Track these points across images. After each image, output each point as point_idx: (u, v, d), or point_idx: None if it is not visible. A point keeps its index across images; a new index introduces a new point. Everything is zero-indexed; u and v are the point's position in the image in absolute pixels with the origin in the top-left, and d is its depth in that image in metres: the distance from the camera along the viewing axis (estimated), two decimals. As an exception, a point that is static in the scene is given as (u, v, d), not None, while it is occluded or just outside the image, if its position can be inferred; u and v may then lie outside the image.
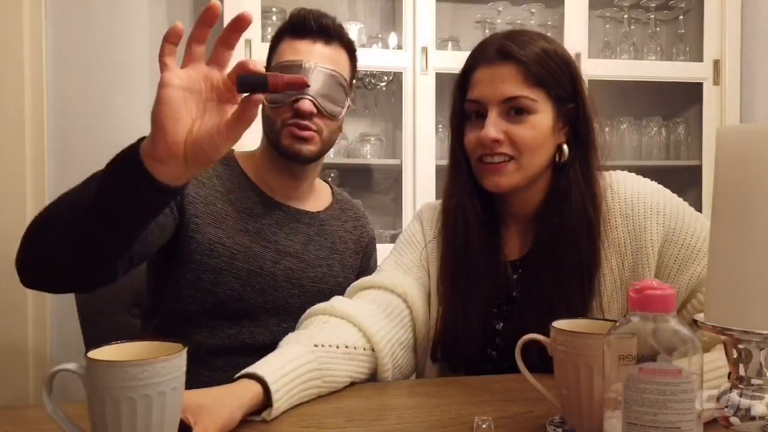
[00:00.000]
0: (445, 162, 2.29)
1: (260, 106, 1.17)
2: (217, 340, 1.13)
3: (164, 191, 0.74)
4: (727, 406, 0.58)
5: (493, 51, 1.00)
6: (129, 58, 2.14)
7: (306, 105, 1.11)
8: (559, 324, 0.74)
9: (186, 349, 0.65)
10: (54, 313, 2.06)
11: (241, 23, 0.69)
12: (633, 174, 1.05)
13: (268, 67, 1.20)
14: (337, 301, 1.01)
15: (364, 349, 0.95)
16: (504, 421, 0.78)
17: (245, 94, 0.71)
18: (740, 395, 0.58)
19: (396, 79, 2.24)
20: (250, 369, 0.81)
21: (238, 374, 0.81)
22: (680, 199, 1.02)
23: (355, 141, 2.29)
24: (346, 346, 0.92)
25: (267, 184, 1.21)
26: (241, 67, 0.70)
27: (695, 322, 0.62)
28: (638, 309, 0.58)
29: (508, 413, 0.81)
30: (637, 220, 0.98)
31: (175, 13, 2.20)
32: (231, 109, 0.72)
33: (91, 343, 1.38)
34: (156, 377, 0.61)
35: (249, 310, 1.15)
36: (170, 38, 0.70)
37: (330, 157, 2.24)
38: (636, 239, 0.98)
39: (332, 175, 2.25)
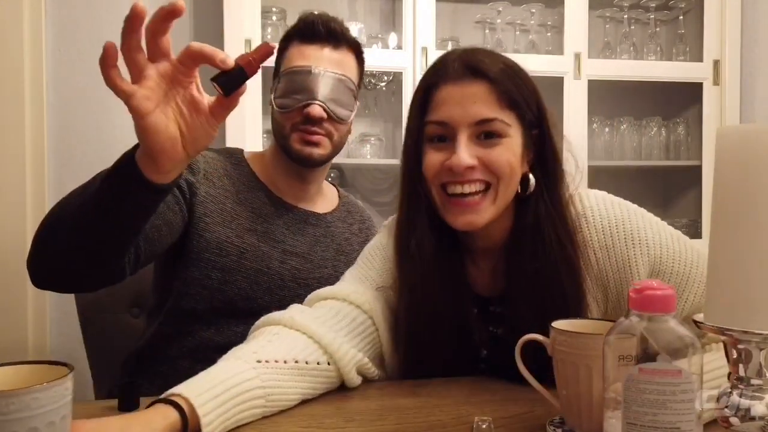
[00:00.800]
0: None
1: (270, 109, 1.17)
2: (223, 337, 1.13)
3: (166, 190, 0.78)
4: (727, 407, 0.58)
5: (460, 66, 0.89)
6: (129, 58, 2.14)
7: (316, 110, 1.12)
8: (558, 324, 0.74)
9: (71, 374, 0.56)
10: (54, 313, 2.06)
11: (173, 14, 0.65)
12: (603, 194, 0.96)
13: (277, 71, 1.20)
14: (295, 310, 0.93)
15: (318, 363, 0.85)
16: (504, 421, 0.78)
17: (214, 83, 0.70)
18: (740, 395, 0.58)
19: (396, 79, 2.24)
20: (174, 389, 0.72)
21: (162, 395, 0.72)
22: (657, 219, 0.95)
23: (355, 141, 2.29)
24: (296, 361, 0.83)
25: (276, 185, 1.23)
26: (197, 54, 0.67)
27: (695, 322, 0.62)
28: (638, 309, 0.58)
29: (508, 413, 0.81)
30: (618, 251, 0.91)
31: (175, 13, 2.20)
32: (192, 84, 0.71)
33: (92, 342, 1.39)
34: (26, 411, 0.52)
35: (257, 309, 1.14)
36: (109, 61, 0.65)
37: (330, 156, 2.24)
38: (619, 271, 0.91)
39: (332, 174, 2.25)
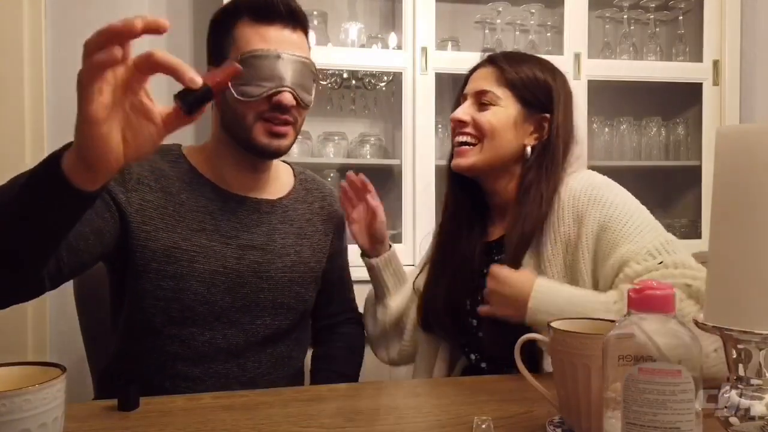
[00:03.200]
0: (443, 162, 2.29)
1: (221, 99, 1.07)
2: (191, 350, 1.07)
3: (94, 198, 0.72)
4: (726, 407, 0.58)
5: (487, 58, 1.20)
6: (129, 58, 2.14)
7: (287, 98, 1.04)
8: (557, 324, 0.74)
9: (63, 376, 0.56)
10: (54, 313, 2.06)
11: (157, 30, 0.61)
12: (594, 173, 1.13)
13: (220, 53, 1.09)
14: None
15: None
16: (503, 421, 0.78)
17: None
18: (740, 395, 0.58)
19: (396, 79, 2.24)
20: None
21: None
22: (626, 193, 1.08)
23: (355, 141, 2.29)
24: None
25: (221, 178, 1.13)
26: (160, 65, 0.62)
27: (695, 322, 0.62)
28: (638, 309, 0.58)
29: (507, 413, 0.82)
30: (581, 209, 1.06)
31: (174, 14, 2.20)
32: (142, 90, 0.66)
33: (92, 343, 1.39)
34: (17, 413, 0.51)
35: (218, 312, 1.08)
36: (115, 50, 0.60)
37: (330, 157, 2.24)
38: (579, 225, 1.06)
39: (332, 175, 2.25)
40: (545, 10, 2.36)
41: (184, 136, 1.22)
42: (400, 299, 1.26)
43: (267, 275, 1.12)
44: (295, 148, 2.20)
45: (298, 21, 1.08)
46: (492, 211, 1.22)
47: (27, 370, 0.58)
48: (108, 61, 0.60)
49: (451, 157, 1.20)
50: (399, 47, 2.18)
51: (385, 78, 2.29)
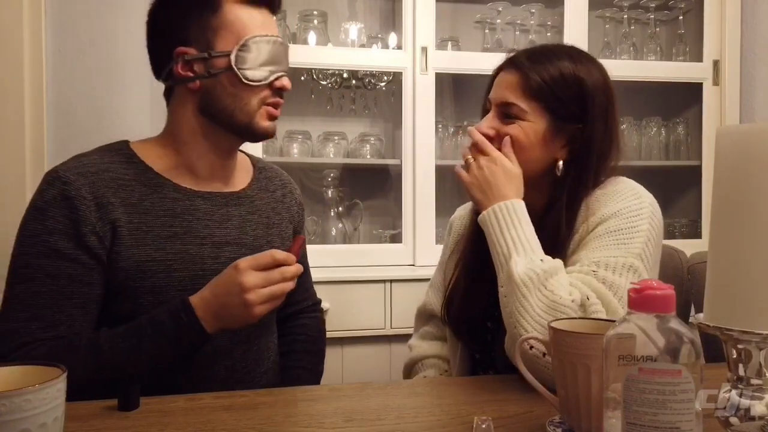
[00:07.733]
0: (444, 162, 2.29)
1: (203, 87, 1.06)
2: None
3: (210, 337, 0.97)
4: (726, 406, 0.58)
5: (509, 60, 1.09)
6: (129, 58, 2.14)
7: (287, 82, 1.07)
8: (558, 324, 0.74)
9: (64, 375, 0.56)
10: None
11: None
12: (624, 180, 1.07)
13: (205, 35, 1.02)
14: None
15: None
16: (504, 421, 0.78)
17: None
18: (740, 395, 0.58)
19: (396, 79, 2.24)
20: None
21: None
22: (642, 209, 1.00)
23: (355, 141, 2.29)
24: None
25: (183, 174, 1.07)
26: (279, 263, 0.96)
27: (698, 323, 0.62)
28: (638, 309, 0.58)
29: (508, 413, 0.82)
30: (593, 209, 1.03)
31: (175, 13, 2.20)
32: None
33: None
34: (17, 413, 0.51)
35: None
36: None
37: (330, 157, 2.24)
38: (589, 227, 1.02)
39: (332, 175, 2.25)
40: (545, 10, 2.36)
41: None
42: None
43: None
44: (295, 148, 2.20)
45: (278, 6, 1.09)
46: None
47: (27, 370, 0.59)
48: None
49: None
50: (399, 47, 2.18)
51: (385, 78, 2.29)
